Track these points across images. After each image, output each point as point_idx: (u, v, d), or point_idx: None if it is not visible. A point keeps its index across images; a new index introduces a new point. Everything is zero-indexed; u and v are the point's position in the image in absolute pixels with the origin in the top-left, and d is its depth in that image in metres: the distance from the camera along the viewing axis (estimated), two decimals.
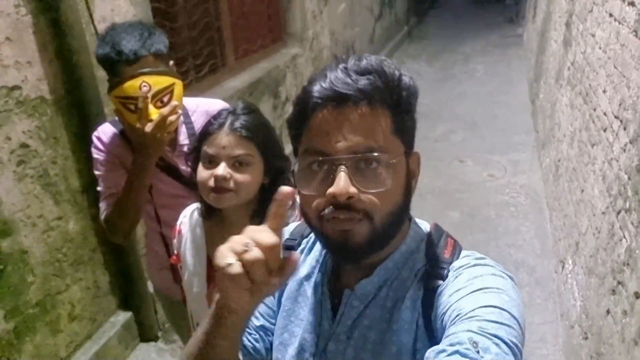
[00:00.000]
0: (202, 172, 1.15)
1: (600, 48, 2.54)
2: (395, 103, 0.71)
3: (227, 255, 0.58)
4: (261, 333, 0.89)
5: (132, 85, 1.31)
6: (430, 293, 0.73)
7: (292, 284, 0.87)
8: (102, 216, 1.53)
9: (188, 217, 1.28)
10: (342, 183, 0.66)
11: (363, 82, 0.68)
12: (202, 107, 1.61)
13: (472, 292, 0.68)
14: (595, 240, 2.13)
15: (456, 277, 0.72)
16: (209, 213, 1.23)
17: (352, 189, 0.67)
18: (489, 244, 3.39)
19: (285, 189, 0.62)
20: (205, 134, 1.17)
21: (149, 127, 1.31)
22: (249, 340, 0.87)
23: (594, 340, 1.97)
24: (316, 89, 0.70)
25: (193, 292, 1.26)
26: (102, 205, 1.53)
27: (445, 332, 0.65)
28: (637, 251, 1.60)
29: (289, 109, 4.46)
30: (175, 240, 1.30)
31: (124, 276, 2.51)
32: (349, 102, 0.68)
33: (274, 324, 0.89)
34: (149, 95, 1.32)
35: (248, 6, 3.80)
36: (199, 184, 1.16)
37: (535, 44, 6.09)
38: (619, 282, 1.74)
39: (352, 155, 0.68)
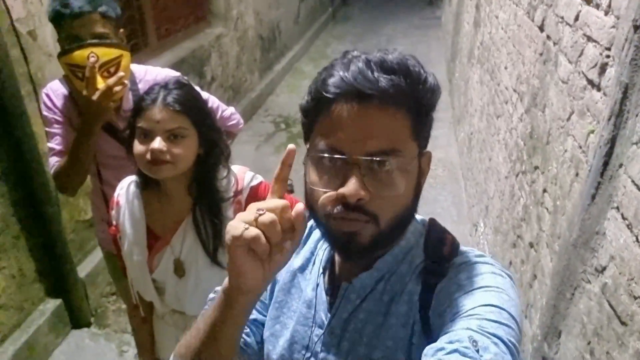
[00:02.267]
0: (138, 147, 1.19)
1: (502, 29, 2.79)
2: (417, 106, 0.68)
3: (239, 225, 0.59)
4: (252, 327, 0.88)
5: (81, 55, 1.37)
6: (429, 289, 0.72)
7: (285, 275, 0.86)
8: (52, 171, 1.61)
9: (125, 189, 1.31)
10: (354, 185, 0.65)
11: (386, 81, 0.64)
12: (150, 75, 1.67)
13: (472, 290, 0.67)
14: (500, 202, 2.38)
15: (456, 274, 0.71)
16: (146, 184, 1.27)
17: (364, 192, 0.65)
18: None
19: (291, 146, 0.66)
20: (138, 110, 1.20)
21: (95, 96, 1.38)
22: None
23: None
24: (335, 81, 0.66)
25: (133, 260, 1.30)
26: (51, 161, 1.61)
27: (443, 329, 0.65)
28: (530, 207, 1.83)
29: (216, 88, 4.44)
30: (113, 212, 1.33)
31: (52, 262, 2.45)
32: (369, 100, 0.65)
33: (266, 317, 0.88)
34: (96, 65, 1.37)
35: None
36: (136, 157, 1.20)
37: (452, 25, 6.44)
38: (518, 236, 1.98)
39: (367, 157, 0.65)
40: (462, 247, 0.77)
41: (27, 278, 2.37)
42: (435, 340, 0.63)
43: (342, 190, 0.65)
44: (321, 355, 0.78)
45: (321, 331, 0.79)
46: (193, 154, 1.22)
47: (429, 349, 0.61)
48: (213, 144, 1.25)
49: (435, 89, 0.69)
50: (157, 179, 1.23)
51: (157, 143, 1.15)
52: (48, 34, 2.37)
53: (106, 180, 1.70)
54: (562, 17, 1.64)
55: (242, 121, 1.90)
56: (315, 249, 0.86)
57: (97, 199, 1.81)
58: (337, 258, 0.81)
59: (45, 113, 1.61)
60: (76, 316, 2.64)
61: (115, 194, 1.33)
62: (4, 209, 2.19)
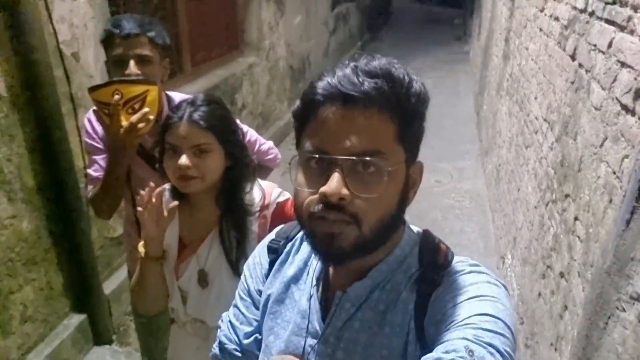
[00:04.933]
0: (168, 162, 1.24)
1: (532, 59, 2.79)
2: (402, 109, 0.69)
3: None
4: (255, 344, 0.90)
5: (106, 92, 1.42)
6: (424, 298, 0.72)
7: (279, 286, 0.86)
8: (89, 196, 1.67)
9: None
10: (335, 183, 0.66)
11: (370, 84, 0.66)
12: None
13: (468, 300, 0.67)
14: (529, 232, 2.33)
15: (451, 283, 0.71)
16: (177, 196, 1.30)
17: (345, 191, 0.66)
18: None
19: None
20: (166, 126, 1.25)
21: (119, 132, 1.43)
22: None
23: (528, 323, 2.15)
24: (322, 85, 0.69)
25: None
26: (89, 187, 1.67)
27: (439, 338, 0.65)
28: (561, 236, 1.79)
29: (246, 115, 4.54)
30: None
31: (79, 278, 2.49)
32: (354, 103, 0.66)
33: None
34: (120, 103, 1.42)
35: (206, 15, 3.88)
36: (166, 172, 1.24)
37: (480, 59, 6.47)
38: (547, 266, 1.93)
39: (349, 157, 0.66)
40: (457, 257, 0.77)
41: (55, 291, 2.41)
42: (430, 350, 0.63)
43: (323, 188, 0.66)
44: None
45: (315, 341, 0.78)
46: (220, 167, 1.26)
47: (425, 359, 0.61)
48: (238, 159, 1.28)
49: (421, 94, 0.70)
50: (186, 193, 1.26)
51: (184, 160, 1.20)
52: (90, 56, 2.48)
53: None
54: (595, 45, 1.64)
55: (279, 156, 1.91)
56: (308, 258, 0.85)
57: (131, 227, 1.79)
58: (331, 268, 0.81)
59: (86, 139, 1.67)
60: (99, 333, 2.66)
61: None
62: (38, 222, 2.25)
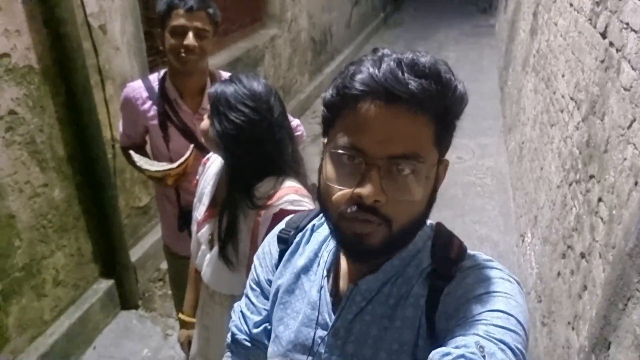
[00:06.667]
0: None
1: (561, 36, 2.72)
2: (444, 113, 0.66)
3: None
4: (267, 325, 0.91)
5: (155, 177, 1.75)
6: (436, 292, 0.71)
7: (289, 277, 0.86)
8: (120, 145, 1.96)
9: (215, 158, 1.43)
10: (372, 186, 0.64)
11: (416, 84, 0.62)
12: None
13: (480, 295, 0.67)
14: (551, 211, 2.33)
15: (464, 278, 0.70)
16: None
17: (381, 195, 0.64)
18: (455, 221, 3.58)
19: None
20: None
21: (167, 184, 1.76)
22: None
23: (546, 301, 2.17)
24: (364, 77, 0.64)
25: (195, 217, 1.42)
26: (119, 136, 1.95)
27: (450, 333, 0.64)
28: (583, 216, 1.79)
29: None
30: (200, 167, 1.48)
31: (107, 245, 2.59)
32: (396, 102, 0.63)
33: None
34: (170, 179, 1.71)
35: None
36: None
37: (506, 33, 6.31)
38: (568, 246, 1.93)
39: (388, 159, 0.64)
40: (470, 251, 0.75)
41: (84, 258, 2.51)
42: (441, 344, 0.63)
43: (359, 190, 0.64)
44: (324, 356, 0.77)
45: (324, 332, 0.78)
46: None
47: (435, 354, 0.60)
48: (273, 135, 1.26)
49: (463, 97, 0.67)
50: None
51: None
52: (117, 29, 2.51)
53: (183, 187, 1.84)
54: (628, 24, 1.60)
55: (305, 133, 1.99)
56: (319, 250, 0.85)
57: (168, 198, 1.91)
58: (342, 260, 0.80)
59: (129, 98, 1.79)
60: (126, 298, 2.77)
61: (207, 156, 1.46)
62: (69, 190, 2.33)
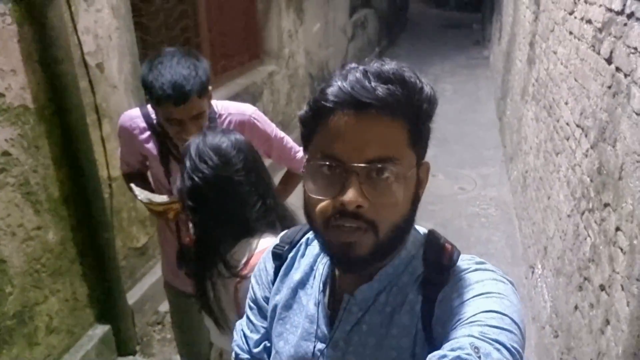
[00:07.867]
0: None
1: (562, 64, 2.71)
2: (414, 115, 0.68)
3: None
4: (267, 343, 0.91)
5: (155, 211, 1.69)
6: (430, 299, 0.72)
7: (286, 292, 0.86)
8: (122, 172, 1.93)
9: None
10: (353, 192, 0.65)
11: (383, 90, 0.65)
12: (233, 116, 1.72)
13: (474, 297, 0.67)
14: (562, 242, 2.25)
15: (457, 281, 0.71)
16: None
17: (363, 199, 0.65)
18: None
19: None
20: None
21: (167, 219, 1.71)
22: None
23: (563, 336, 2.07)
24: (333, 90, 0.67)
25: None
26: (119, 163, 1.90)
27: (446, 337, 0.65)
28: (600, 247, 1.71)
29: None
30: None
31: (103, 288, 2.49)
32: (366, 109, 0.65)
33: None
34: (171, 214, 1.66)
35: (226, 24, 3.89)
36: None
37: (501, 64, 6.37)
38: (585, 278, 1.85)
39: (366, 164, 0.66)
40: (463, 255, 0.76)
41: (80, 302, 2.41)
42: (437, 349, 0.63)
43: (341, 197, 0.66)
44: None
45: (324, 345, 0.79)
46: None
47: (431, 357, 0.61)
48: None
49: (432, 98, 0.70)
50: None
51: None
52: (114, 67, 2.49)
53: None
54: (636, 48, 1.57)
55: None
56: (314, 263, 0.85)
57: (168, 231, 1.82)
58: (337, 271, 0.81)
59: (125, 127, 1.74)
60: (123, 343, 2.65)
61: None
62: (64, 232, 2.26)
